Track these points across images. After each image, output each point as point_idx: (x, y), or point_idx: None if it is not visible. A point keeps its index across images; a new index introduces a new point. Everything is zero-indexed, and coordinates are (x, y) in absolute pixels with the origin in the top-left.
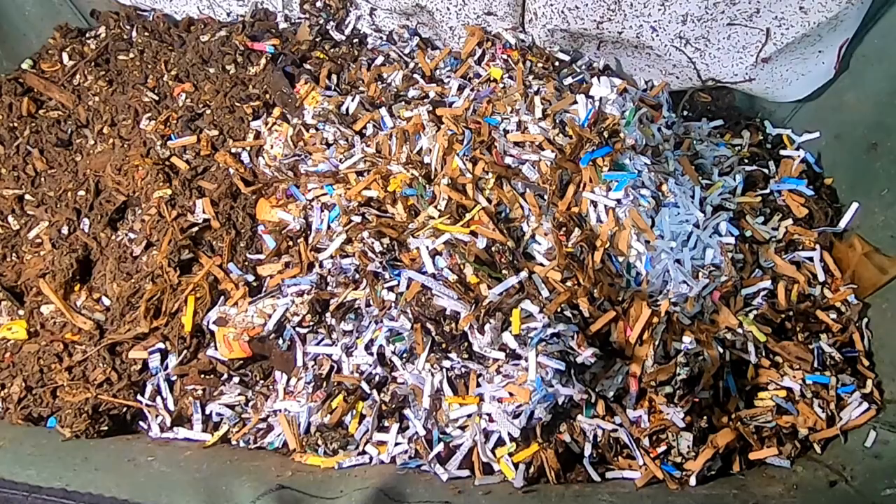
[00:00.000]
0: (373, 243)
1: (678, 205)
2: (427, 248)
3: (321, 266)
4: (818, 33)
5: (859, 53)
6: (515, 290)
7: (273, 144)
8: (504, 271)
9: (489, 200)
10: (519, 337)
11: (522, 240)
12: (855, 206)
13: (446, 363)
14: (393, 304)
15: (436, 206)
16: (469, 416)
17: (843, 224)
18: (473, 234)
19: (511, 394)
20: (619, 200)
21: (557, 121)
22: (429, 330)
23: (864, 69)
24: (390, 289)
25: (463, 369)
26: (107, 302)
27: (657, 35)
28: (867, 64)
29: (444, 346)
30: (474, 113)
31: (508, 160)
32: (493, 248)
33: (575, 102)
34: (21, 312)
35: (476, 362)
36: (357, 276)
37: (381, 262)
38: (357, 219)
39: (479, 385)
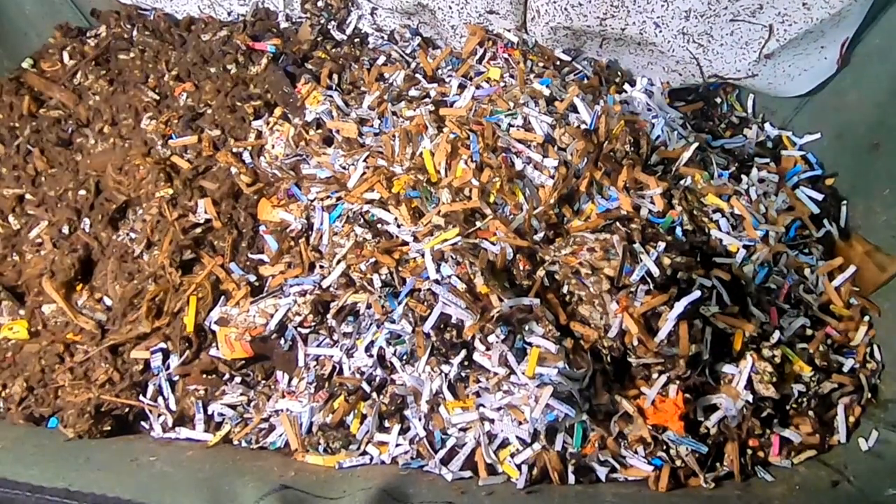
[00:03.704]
0: (371, 279)
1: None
2: (432, 256)
3: (322, 268)
4: (821, 29)
5: (861, 53)
6: (526, 307)
7: (274, 144)
8: (524, 282)
9: (496, 206)
10: (533, 378)
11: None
12: (847, 205)
13: (446, 368)
14: (394, 310)
15: (440, 213)
16: (470, 421)
17: (842, 224)
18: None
19: (512, 405)
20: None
21: (563, 123)
22: (429, 334)
23: (865, 69)
24: (394, 295)
25: (463, 374)
26: (108, 302)
27: (660, 31)
28: (869, 63)
29: (443, 351)
30: (476, 114)
31: (515, 162)
32: (516, 256)
33: (575, 107)
34: (22, 312)
35: (476, 371)
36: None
37: (380, 296)
38: (359, 230)
39: (479, 395)
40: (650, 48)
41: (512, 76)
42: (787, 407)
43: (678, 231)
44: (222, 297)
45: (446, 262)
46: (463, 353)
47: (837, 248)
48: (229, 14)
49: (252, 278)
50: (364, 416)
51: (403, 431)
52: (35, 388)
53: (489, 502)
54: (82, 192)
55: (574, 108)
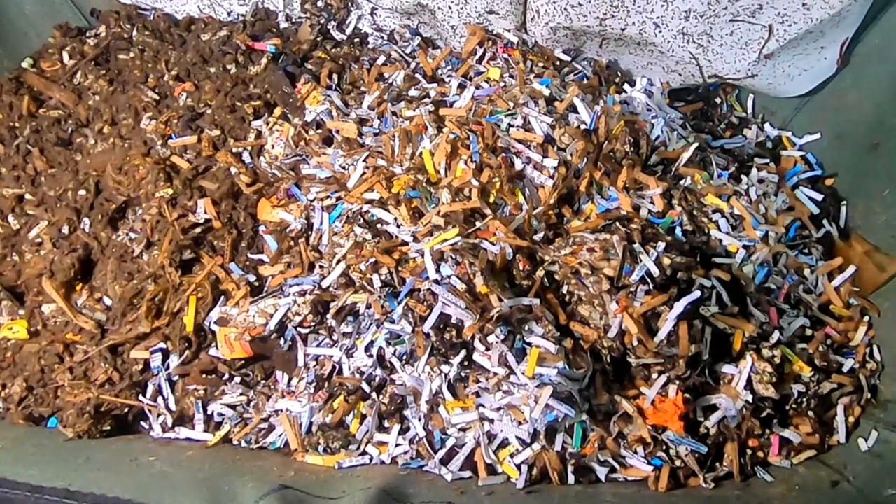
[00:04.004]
0: (371, 279)
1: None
2: (432, 256)
3: (322, 268)
4: (820, 30)
5: (861, 53)
6: (526, 307)
7: (274, 144)
8: (523, 282)
9: (496, 206)
10: (532, 378)
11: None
12: (847, 205)
13: (445, 368)
14: (394, 310)
15: (440, 213)
16: (470, 421)
17: (841, 224)
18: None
19: (512, 405)
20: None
21: (563, 123)
22: (428, 335)
23: (865, 69)
24: (394, 295)
25: (463, 374)
26: (108, 302)
27: (660, 31)
28: (869, 63)
29: (443, 351)
30: (475, 114)
31: (515, 162)
32: (516, 256)
33: (575, 107)
34: (22, 312)
35: (476, 371)
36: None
37: (380, 296)
38: (359, 230)
39: (478, 395)
40: (650, 48)
41: (512, 76)
42: (787, 407)
43: (678, 231)
44: (222, 297)
45: (446, 262)
46: (463, 353)
47: (837, 248)
48: (229, 14)
49: (252, 278)
50: (364, 416)
51: (403, 431)
52: (35, 387)
53: (489, 502)
54: (82, 192)
55: (574, 109)
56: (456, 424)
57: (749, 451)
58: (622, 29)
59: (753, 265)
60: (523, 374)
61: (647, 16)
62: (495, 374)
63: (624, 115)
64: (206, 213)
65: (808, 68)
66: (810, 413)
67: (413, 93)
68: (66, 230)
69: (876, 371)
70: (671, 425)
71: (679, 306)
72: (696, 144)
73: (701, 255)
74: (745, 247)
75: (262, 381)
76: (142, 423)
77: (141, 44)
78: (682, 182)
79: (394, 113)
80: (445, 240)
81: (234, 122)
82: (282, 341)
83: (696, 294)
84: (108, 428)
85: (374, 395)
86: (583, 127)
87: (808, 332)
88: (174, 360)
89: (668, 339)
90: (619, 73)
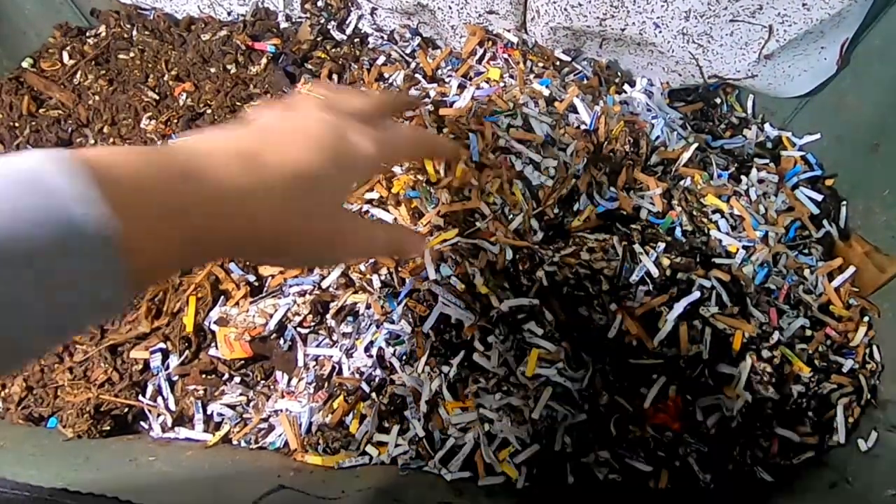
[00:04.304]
0: (371, 279)
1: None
2: (432, 256)
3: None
4: (821, 30)
5: (861, 53)
6: (527, 307)
7: None
8: (523, 282)
9: (495, 206)
10: (532, 378)
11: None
12: (847, 206)
13: (445, 368)
14: (393, 311)
15: (439, 214)
16: (470, 421)
17: (841, 224)
18: (481, 242)
19: (512, 406)
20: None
21: (563, 123)
22: (428, 335)
23: (865, 69)
24: (394, 295)
25: (463, 374)
26: None
27: (660, 32)
28: (869, 64)
29: (443, 351)
30: (475, 115)
31: (515, 162)
32: (516, 256)
33: (575, 107)
34: None
35: (475, 371)
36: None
37: (380, 296)
38: None
39: (478, 395)
40: (650, 48)
41: (512, 76)
42: (787, 407)
43: (678, 232)
44: (222, 297)
45: (446, 262)
46: (462, 353)
47: (837, 248)
48: (229, 14)
49: (251, 278)
50: (363, 417)
51: (403, 432)
52: (34, 387)
53: (488, 502)
54: None
55: (574, 109)
56: (456, 424)
57: (749, 451)
58: (622, 29)
59: (753, 265)
60: (523, 374)
61: (647, 16)
62: (495, 374)
63: (624, 116)
64: None
65: (808, 68)
66: (810, 413)
67: (413, 93)
68: None
69: (876, 371)
70: (671, 425)
71: (679, 307)
72: (696, 145)
73: (701, 255)
74: (744, 247)
75: (262, 381)
76: (141, 423)
77: (141, 44)
78: (682, 182)
79: None
80: (445, 240)
81: (234, 122)
82: (281, 341)
83: (696, 294)
84: (108, 428)
85: (373, 395)
86: (583, 127)
87: (808, 332)
88: (174, 360)
89: (667, 340)
90: (619, 73)
